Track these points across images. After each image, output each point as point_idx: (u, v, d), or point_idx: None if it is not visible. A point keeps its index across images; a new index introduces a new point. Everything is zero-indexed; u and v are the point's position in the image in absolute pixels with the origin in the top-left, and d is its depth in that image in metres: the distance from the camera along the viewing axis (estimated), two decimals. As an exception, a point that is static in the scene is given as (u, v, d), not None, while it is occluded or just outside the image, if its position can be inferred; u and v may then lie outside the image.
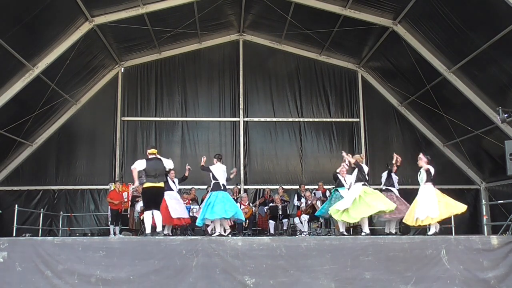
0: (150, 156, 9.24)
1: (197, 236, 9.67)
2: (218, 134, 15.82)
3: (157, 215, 9.12)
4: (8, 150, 13.66)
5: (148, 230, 9.08)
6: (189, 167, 10.84)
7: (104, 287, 7.57)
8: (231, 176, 10.22)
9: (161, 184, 9.17)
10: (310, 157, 15.75)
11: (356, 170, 9.59)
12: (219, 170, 9.67)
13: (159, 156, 9.37)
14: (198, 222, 9.81)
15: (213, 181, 9.62)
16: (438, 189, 15.38)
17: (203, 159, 9.91)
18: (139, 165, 9.02)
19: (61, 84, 13.48)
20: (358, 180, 9.54)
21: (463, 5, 10.75)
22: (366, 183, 9.54)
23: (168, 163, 9.39)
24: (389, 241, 8.15)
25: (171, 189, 10.63)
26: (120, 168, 15.23)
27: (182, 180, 10.98)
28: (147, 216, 9.10)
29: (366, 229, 9.50)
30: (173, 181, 10.77)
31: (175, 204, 10.50)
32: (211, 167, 9.67)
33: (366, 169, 9.75)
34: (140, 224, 11.60)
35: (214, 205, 9.31)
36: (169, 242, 8.01)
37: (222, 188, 9.56)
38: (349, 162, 9.91)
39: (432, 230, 9.07)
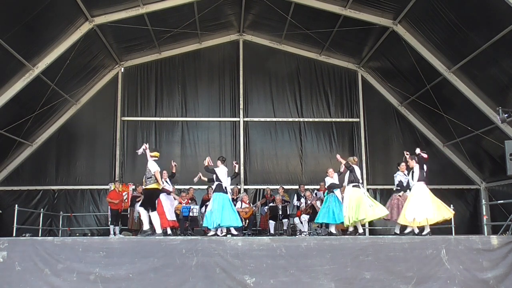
0: (153, 159, 9.47)
1: (197, 236, 9.67)
2: (218, 134, 15.82)
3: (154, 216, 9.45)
4: (8, 150, 13.66)
5: (159, 230, 9.39)
6: (174, 163, 11.25)
7: (103, 284, 7.58)
8: (236, 170, 10.73)
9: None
10: (310, 157, 15.75)
11: (348, 172, 9.93)
12: (223, 173, 9.98)
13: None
14: (209, 225, 9.82)
15: (217, 183, 9.90)
16: (438, 189, 15.45)
17: (208, 159, 10.18)
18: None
19: (61, 84, 13.48)
20: (350, 181, 9.86)
21: (463, 5, 10.74)
22: (358, 184, 9.88)
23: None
24: (389, 241, 8.16)
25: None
26: (120, 168, 15.23)
27: (171, 177, 11.26)
28: (156, 216, 9.31)
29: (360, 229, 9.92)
30: (167, 182, 11.06)
31: (171, 207, 10.84)
32: (216, 169, 9.97)
33: (358, 171, 10.05)
34: (140, 224, 11.59)
35: (223, 212, 9.58)
36: (169, 241, 8.03)
37: (224, 190, 9.88)
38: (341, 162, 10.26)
39: (427, 230, 9.34)
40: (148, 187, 9.61)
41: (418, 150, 9.82)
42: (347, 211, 9.59)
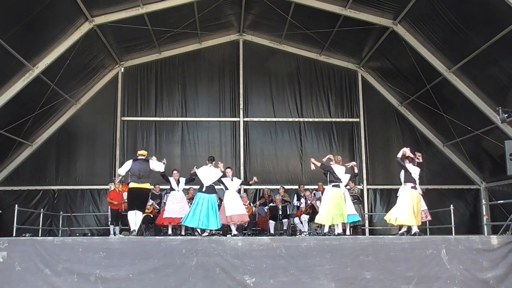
0: (138, 157, 9.44)
1: (197, 236, 9.67)
2: (218, 134, 15.82)
3: (138, 215, 9.40)
4: (8, 150, 13.66)
5: (133, 227, 9.26)
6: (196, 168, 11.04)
7: (103, 285, 7.58)
8: (251, 182, 11.13)
9: (145, 185, 9.44)
10: (310, 157, 15.60)
11: (328, 172, 9.76)
12: (203, 173, 9.90)
13: (148, 158, 9.73)
14: (188, 223, 9.85)
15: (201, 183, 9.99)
16: (438, 189, 15.37)
17: (194, 168, 10.27)
18: (126, 167, 9.37)
19: (61, 84, 13.48)
20: (330, 181, 9.72)
21: (463, 5, 10.74)
22: (339, 184, 9.69)
23: (157, 166, 9.70)
24: (389, 241, 8.16)
25: (173, 189, 11.04)
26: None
27: (190, 180, 11.07)
28: (131, 216, 9.28)
29: (336, 231, 9.65)
30: (176, 181, 11.07)
31: (172, 204, 10.75)
32: (197, 170, 10.02)
33: (340, 169, 9.80)
34: (140, 225, 11.61)
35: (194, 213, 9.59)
36: (169, 242, 8.02)
37: (204, 190, 9.76)
38: (315, 165, 9.96)
39: (403, 230, 9.46)
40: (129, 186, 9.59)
41: (404, 153, 9.65)
42: (326, 211, 9.42)
